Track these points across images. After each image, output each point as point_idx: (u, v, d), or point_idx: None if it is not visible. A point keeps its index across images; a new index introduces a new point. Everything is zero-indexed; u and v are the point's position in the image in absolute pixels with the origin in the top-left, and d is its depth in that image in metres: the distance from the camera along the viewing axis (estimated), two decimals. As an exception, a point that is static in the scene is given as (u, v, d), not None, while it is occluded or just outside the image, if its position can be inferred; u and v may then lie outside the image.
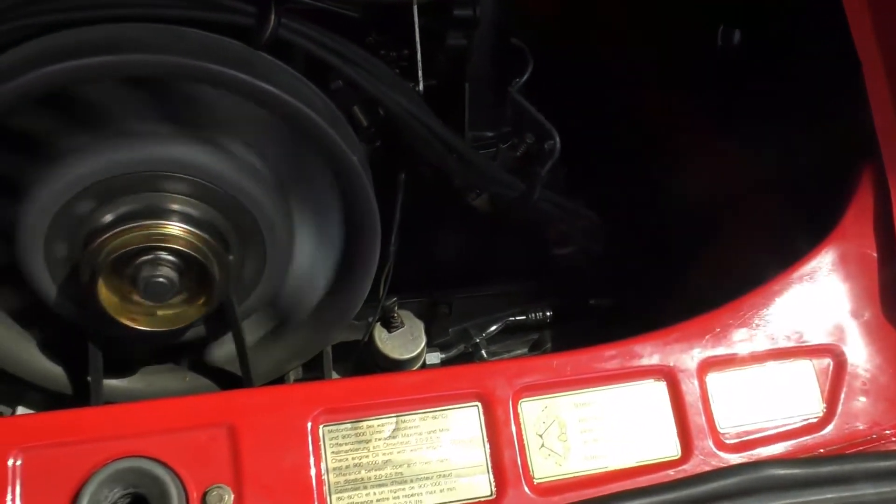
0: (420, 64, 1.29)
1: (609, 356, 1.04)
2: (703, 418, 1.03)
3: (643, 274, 1.56)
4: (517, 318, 1.59)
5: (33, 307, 1.22)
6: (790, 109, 1.36)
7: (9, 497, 0.87)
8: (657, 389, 1.04)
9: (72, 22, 1.01)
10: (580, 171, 1.75)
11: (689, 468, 1.00)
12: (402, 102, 1.19)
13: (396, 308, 1.40)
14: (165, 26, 1.04)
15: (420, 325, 1.42)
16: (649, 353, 1.05)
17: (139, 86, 1.05)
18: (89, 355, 1.20)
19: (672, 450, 1.02)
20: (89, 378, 1.23)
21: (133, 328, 1.15)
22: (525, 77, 1.59)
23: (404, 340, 1.40)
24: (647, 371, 1.04)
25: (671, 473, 1.00)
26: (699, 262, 1.50)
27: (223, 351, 1.32)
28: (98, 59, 0.97)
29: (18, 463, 0.89)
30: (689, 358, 1.05)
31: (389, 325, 1.40)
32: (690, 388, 1.04)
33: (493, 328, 1.57)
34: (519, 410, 1.00)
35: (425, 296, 1.58)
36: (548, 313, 1.59)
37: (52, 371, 1.26)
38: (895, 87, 1.18)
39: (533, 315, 1.59)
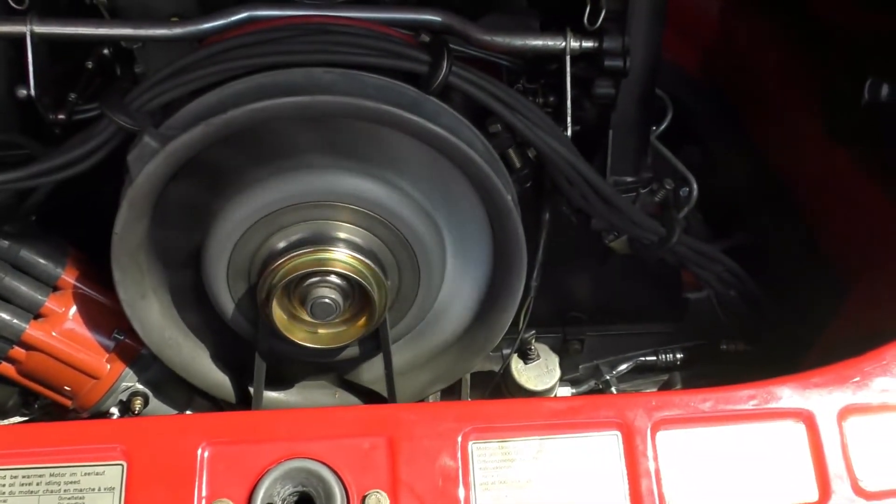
0: (570, 110, 1.37)
1: (748, 396, 1.07)
2: (843, 464, 1.05)
3: (779, 320, 1.57)
4: (648, 358, 1.63)
5: (210, 322, 1.35)
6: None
7: (197, 482, 0.98)
8: (795, 432, 1.06)
9: (272, 65, 1.15)
10: (716, 218, 1.79)
11: (828, 512, 1.02)
12: (555, 146, 1.27)
13: (534, 341, 1.47)
14: (349, 72, 1.16)
15: (555, 359, 1.48)
16: (788, 395, 1.08)
17: (320, 124, 1.17)
18: (255, 367, 1.32)
19: (810, 494, 1.04)
20: (251, 388, 1.35)
21: (297, 344, 1.27)
22: (664, 125, 1.65)
23: (539, 372, 1.47)
24: (786, 413, 1.07)
25: (809, 516, 1.02)
26: (838, 312, 1.50)
27: (372, 373, 1.42)
28: (297, 98, 1.10)
29: (206, 454, 1.01)
30: (829, 403, 1.07)
31: (526, 357, 1.48)
32: (830, 433, 1.06)
33: (624, 367, 1.62)
34: (657, 442, 1.05)
35: (558, 332, 1.64)
36: (679, 355, 1.63)
37: (220, 380, 1.39)
38: None
39: (664, 356, 1.63)
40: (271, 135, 1.17)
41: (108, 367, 1.39)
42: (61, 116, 1.37)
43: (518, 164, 1.33)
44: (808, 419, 1.07)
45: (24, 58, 1.31)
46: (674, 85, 1.87)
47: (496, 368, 1.52)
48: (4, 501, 0.97)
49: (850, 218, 1.61)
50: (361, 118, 1.14)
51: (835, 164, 1.65)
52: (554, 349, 1.53)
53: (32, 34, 1.30)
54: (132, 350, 1.40)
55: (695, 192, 1.59)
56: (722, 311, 1.63)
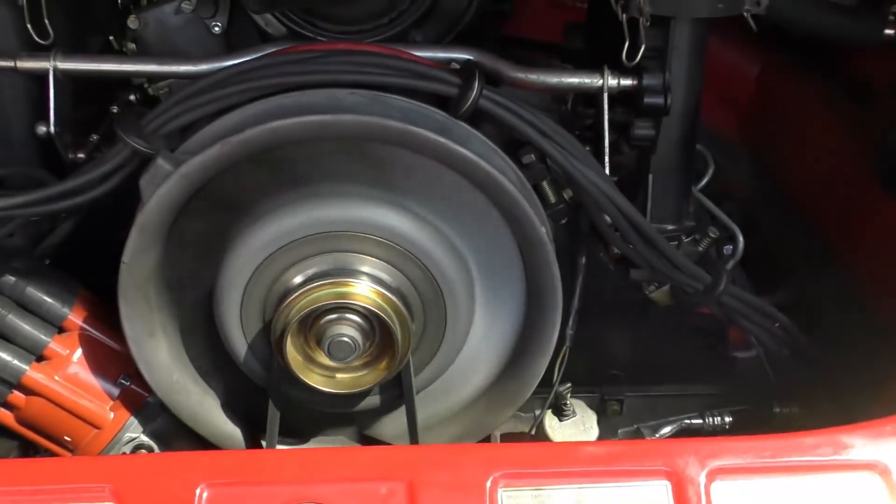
0: (607, 149, 1.30)
1: (813, 444, 0.95)
2: (926, 522, 0.92)
3: (835, 382, 1.45)
4: (694, 421, 1.50)
5: (221, 367, 1.27)
6: None
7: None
8: (870, 484, 0.94)
9: (294, 86, 1.09)
10: (758, 279, 1.70)
11: (911, 578, 0.89)
12: (593, 178, 1.20)
13: (569, 396, 1.36)
14: (375, 93, 1.10)
15: (593, 416, 1.37)
16: (861, 445, 0.95)
17: (343, 149, 1.10)
18: (268, 416, 1.22)
19: (890, 555, 0.91)
20: (263, 442, 1.25)
21: (313, 388, 1.17)
22: (706, 179, 1.58)
23: (576, 431, 1.35)
24: (858, 465, 0.95)
25: (889, 582, 0.89)
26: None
27: (394, 427, 1.31)
28: (319, 117, 1.04)
29: (205, 495, 0.90)
30: (906, 454, 0.95)
31: (561, 414, 1.36)
32: (909, 488, 0.93)
33: (667, 430, 1.49)
34: (711, 493, 0.93)
35: (595, 391, 1.52)
36: (727, 419, 1.50)
37: (229, 431, 1.29)
38: None
39: (711, 419, 1.50)
40: (291, 160, 1.11)
41: (112, 415, 1.30)
42: (80, 156, 1.33)
43: (553, 199, 1.25)
44: (884, 471, 0.94)
45: (46, 94, 1.28)
46: (710, 148, 1.83)
47: (527, 429, 1.40)
48: (-22, 544, 0.87)
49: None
50: (386, 141, 1.08)
51: (892, 217, 1.57)
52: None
53: (55, 70, 1.28)
54: (138, 398, 1.31)
55: (740, 245, 1.51)
56: (773, 371, 1.50)
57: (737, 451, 0.95)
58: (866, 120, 1.70)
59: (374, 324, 1.14)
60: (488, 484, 0.92)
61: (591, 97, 1.34)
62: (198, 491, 0.90)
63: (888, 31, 1.52)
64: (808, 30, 1.63)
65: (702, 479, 0.93)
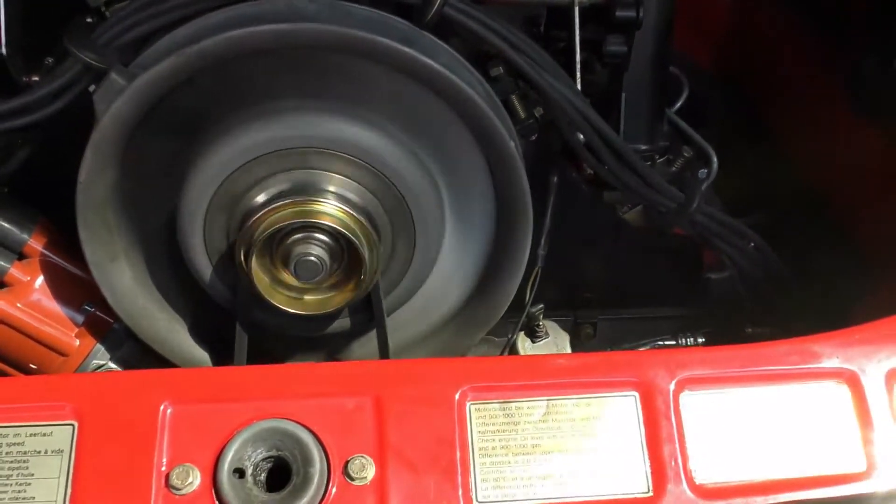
0: (579, 65, 1.27)
1: (783, 353, 0.95)
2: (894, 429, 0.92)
3: (808, 304, 1.45)
4: (667, 343, 1.50)
5: (187, 290, 1.24)
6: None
7: (157, 445, 0.87)
8: (839, 394, 0.94)
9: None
10: (733, 206, 1.69)
11: (879, 485, 0.89)
12: (564, 91, 1.17)
13: (542, 317, 1.35)
14: (335, 2, 1.06)
15: (566, 338, 1.36)
16: (829, 354, 0.95)
17: (304, 61, 1.06)
18: (236, 338, 1.21)
19: (857, 463, 0.91)
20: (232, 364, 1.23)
21: (281, 309, 1.15)
22: (680, 102, 1.56)
23: (549, 352, 1.35)
24: (826, 373, 0.95)
25: (858, 488, 0.89)
26: (868, 296, 1.39)
27: (364, 349, 1.30)
28: (277, 26, 1.00)
29: (168, 413, 0.89)
30: (874, 362, 0.95)
31: (534, 335, 1.35)
32: (876, 395, 0.93)
33: (641, 353, 1.49)
34: (680, 403, 0.92)
35: (569, 315, 1.52)
36: (700, 340, 1.50)
37: (197, 355, 1.28)
38: None
39: (684, 342, 1.50)
40: (251, 74, 1.07)
41: (78, 342, 1.27)
42: (35, 79, 1.28)
43: (522, 114, 1.22)
44: (852, 380, 0.94)
45: (-6, 15, 1.23)
46: (686, 75, 1.81)
47: (499, 353, 1.39)
48: (-62, 463, 0.86)
49: (884, 196, 1.51)
50: (349, 52, 1.04)
51: (864, 143, 1.56)
52: (564, 333, 1.42)
53: (4, -12, 1.22)
54: (104, 324, 1.28)
55: (714, 166, 1.49)
56: (746, 292, 1.50)
57: (705, 362, 0.94)
58: (838, 50, 1.68)
59: (341, 243, 1.11)
60: (457, 397, 0.91)
61: (563, 19, 1.31)
62: (161, 408, 0.88)
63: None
64: None
65: (671, 388, 0.92)
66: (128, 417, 0.89)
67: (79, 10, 1.40)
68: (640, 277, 1.53)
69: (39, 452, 0.87)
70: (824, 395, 0.94)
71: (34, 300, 1.26)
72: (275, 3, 1.05)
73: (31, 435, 0.88)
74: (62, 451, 0.87)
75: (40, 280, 1.26)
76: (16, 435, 0.88)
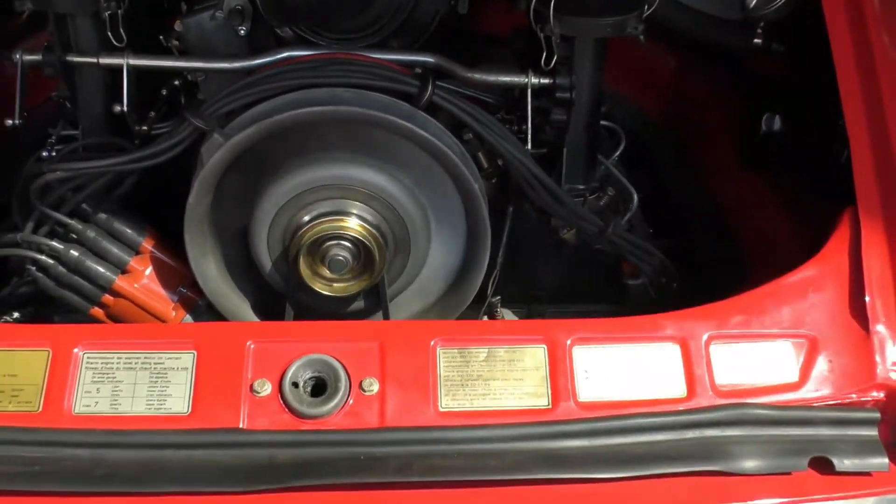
0: (530, 130, 1.81)
1: (639, 323, 1.49)
2: (706, 373, 1.45)
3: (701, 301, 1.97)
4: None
5: (252, 279, 1.79)
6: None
7: (245, 365, 1.41)
8: (673, 350, 1.48)
9: (307, 85, 1.61)
10: (663, 231, 2.22)
11: (692, 404, 1.43)
12: (517, 154, 1.71)
13: (499, 306, 1.90)
14: (362, 91, 1.62)
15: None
16: (669, 326, 1.49)
17: (341, 128, 1.62)
18: (285, 314, 1.75)
19: (680, 391, 1.45)
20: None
21: (318, 293, 1.70)
22: (619, 151, 2.07)
23: (504, 332, 1.88)
24: (667, 337, 1.49)
25: (679, 407, 1.43)
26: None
27: (373, 325, 1.85)
28: (324, 108, 1.56)
29: (252, 347, 1.43)
30: (699, 332, 1.49)
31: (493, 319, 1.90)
32: (697, 353, 1.47)
33: (576, 337, 2.02)
34: (573, 353, 1.46)
35: (524, 308, 2.06)
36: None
37: (258, 324, 1.82)
38: (877, 159, 1.61)
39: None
40: (305, 135, 1.63)
41: (174, 314, 1.82)
42: (144, 128, 1.82)
43: (486, 165, 1.78)
44: (683, 342, 1.48)
45: (120, 82, 1.76)
46: (637, 125, 2.35)
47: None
48: (114, 373, 1.40)
49: (759, 227, 2.04)
50: (370, 124, 1.60)
51: (746, 187, 2.09)
52: (520, 322, 1.95)
53: (128, 65, 1.76)
54: (192, 301, 1.83)
55: (635, 201, 2.01)
56: (655, 293, 2.03)
57: (592, 328, 1.48)
58: (738, 105, 2.21)
59: (360, 248, 1.66)
60: (431, 344, 1.45)
61: (522, 96, 1.83)
62: (248, 343, 1.43)
63: (756, 41, 2.04)
64: (694, 39, 2.14)
65: (567, 343, 1.46)
66: (228, 349, 1.43)
67: (169, 75, 1.93)
68: (577, 281, 2.07)
69: (174, 369, 1.41)
70: (664, 351, 1.48)
71: (146, 283, 1.80)
72: (321, 91, 1.61)
73: (169, 358, 1.42)
74: (187, 368, 1.42)
75: (150, 269, 1.81)
76: (159, 358, 1.42)
